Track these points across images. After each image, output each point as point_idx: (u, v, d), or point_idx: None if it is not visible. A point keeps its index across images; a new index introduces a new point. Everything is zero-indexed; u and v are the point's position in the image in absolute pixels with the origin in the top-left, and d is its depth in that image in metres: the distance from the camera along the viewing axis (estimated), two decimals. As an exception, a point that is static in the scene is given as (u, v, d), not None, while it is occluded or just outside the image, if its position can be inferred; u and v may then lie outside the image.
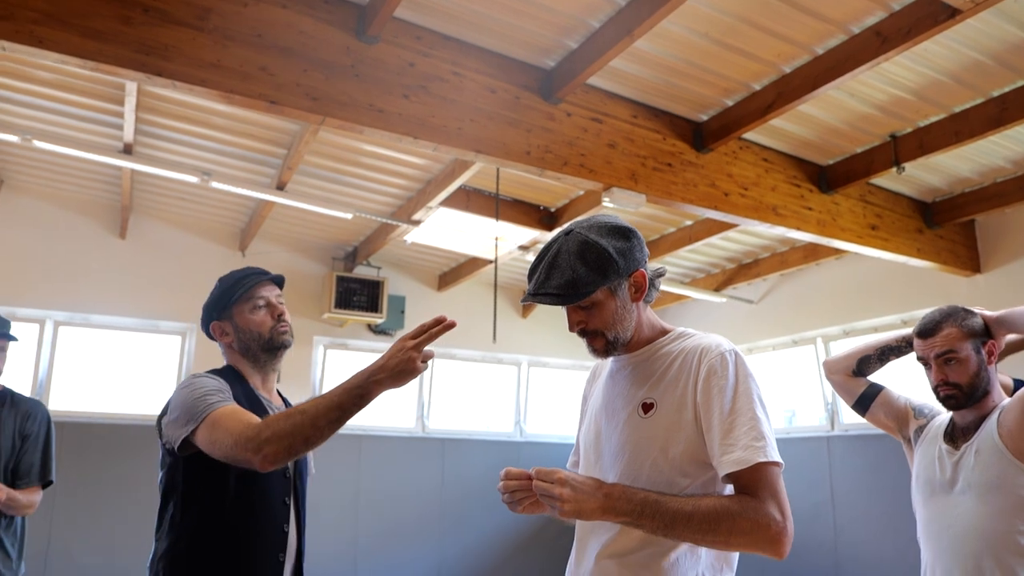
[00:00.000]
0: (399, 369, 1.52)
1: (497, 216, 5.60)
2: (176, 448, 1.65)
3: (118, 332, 6.63)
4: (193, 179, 5.14)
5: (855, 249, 5.36)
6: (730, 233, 6.12)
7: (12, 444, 2.80)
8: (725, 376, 1.42)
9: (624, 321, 1.50)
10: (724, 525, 1.31)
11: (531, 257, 6.54)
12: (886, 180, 5.36)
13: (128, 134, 4.88)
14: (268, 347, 1.93)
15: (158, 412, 1.82)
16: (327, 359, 7.51)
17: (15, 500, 2.68)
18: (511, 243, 6.40)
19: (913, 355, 2.14)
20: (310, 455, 1.96)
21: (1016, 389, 2.10)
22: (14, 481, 2.76)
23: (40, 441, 2.87)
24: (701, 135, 4.60)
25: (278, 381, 7.03)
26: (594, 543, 1.48)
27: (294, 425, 1.51)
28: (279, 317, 1.95)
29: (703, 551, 1.42)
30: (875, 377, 2.31)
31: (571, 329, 1.53)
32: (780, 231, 5.00)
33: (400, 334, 7.62)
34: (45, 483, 2.89)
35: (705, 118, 4.58)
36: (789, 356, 7.41)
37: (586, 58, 3.80)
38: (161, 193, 6.29)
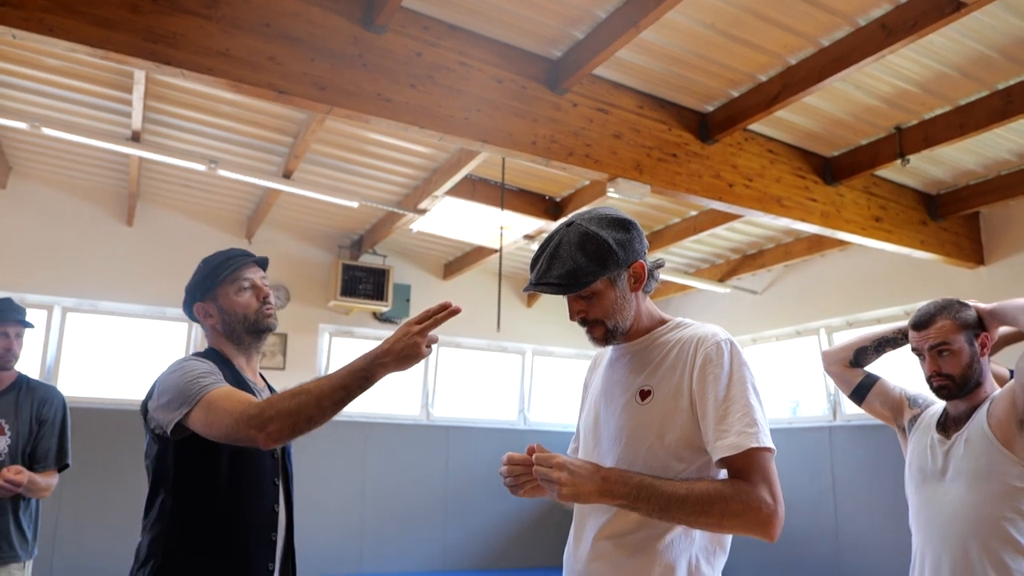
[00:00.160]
0: (404, 353, 1.54)
1: (502, 205, 5.62)
2: (169, 432, 1.65)
3: (125, 318, 6.70)
4: (200, 167, 5.18)
5: (859, 241, 5.37)
6: (735, 224, 6.13)
7: (29, 429, 2.86)
8: (720, 364, 1.45)
9: (623, 310, 1.54)
10: (717, 508, 1.35)
11: (535, 246, 6.56)
12: (891, 172, 5.36)
13: (136, 122, 4.92)
14: (253, 329, 1.92)
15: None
16: (332, 346, 7.57)
17: (35, 483, 2.75)
18: (516, 232, 6.43)
19: (909, 346, 2.17)
20: None
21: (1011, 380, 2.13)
22: (31, 465, 2.83)
23: (57, 426, 2.94)
24: (706, 126, 4.61)
25: (283, 368, 7.03)
26: (591, 525, 1.52)
27: (299, 404, 1.53)
28: (264, 299, 1.94)
29: (697, 534, 1.46)
30: (872, 368, 2.35)
31: (572, 318, 1.57)
32: (784, 222, 5.01)
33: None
34: (61, 467, 2.96)
35: (711, 109, 4.59)
36: (792, 347, 7.44)
37: (592, 49, 3.81)
38: (168, 181, 6.34)
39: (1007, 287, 5.53)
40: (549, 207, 6.13)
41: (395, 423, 7.60)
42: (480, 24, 3.87)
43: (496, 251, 6.86)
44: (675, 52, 4.00)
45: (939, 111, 4.48)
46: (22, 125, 4.71)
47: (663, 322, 1.61)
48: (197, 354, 1.86)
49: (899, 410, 2.25)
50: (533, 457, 1.41)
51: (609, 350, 1.68)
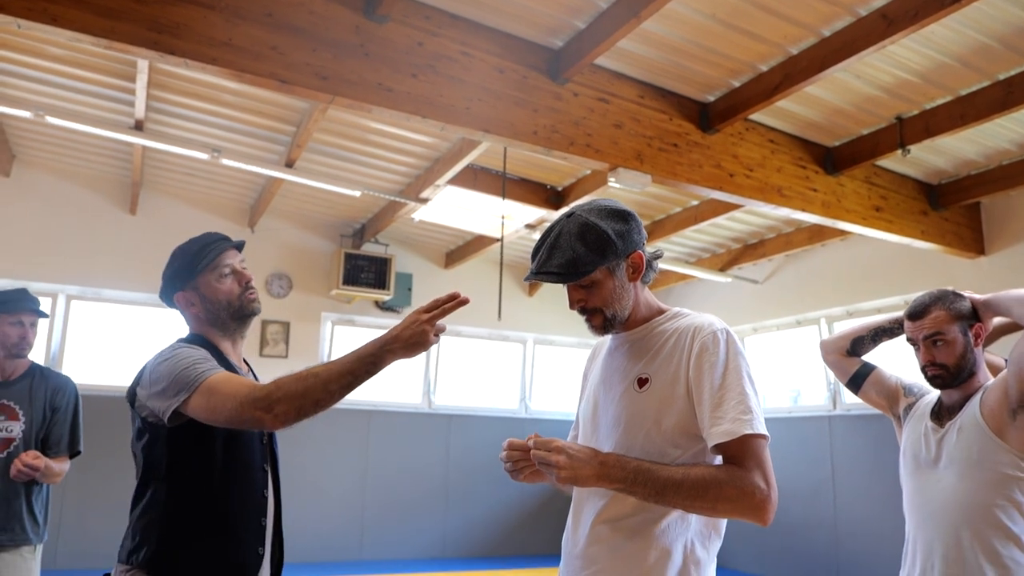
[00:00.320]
0: (412, 340, 1.56)
1: (504, 195, 5.64)
2: (166, 419, 1.65)
3: (128, 306, 6.74)
4: (203, 156, 5.20)
5: (860, 231, 5.39)
6: (736, 214, 6.15)
7: (43, 415, 2.93)
8: (716, 353, 1.48)
9: (622, 300, 1.57)
10: (712, 492, 1.39)
11: (537, 236, 6.59)
12: (892, 162, 5.37)
13: (139, 110, 4.94)
14: (238, 315, 1.90)
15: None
16: (335, 335, 7.61)
17: (49, 468, 2.80)
18: (518, 221, 6.44)
19: (904, 336, 2.20)
20: None
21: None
22: (44, 450, 2.89)
23: (69, 413, 3.00)
24: (707, 116, 4.62)
25: (286, 356, 7.07)
26: (589, 510, 1.55)
27: (306, 387, 1.55)
28: (246, 284, 1.92)
29: (693, 518, 1.49)
30: (868, 357, 2.38)
31: (571, 307, 1.60)
32: (785, 212, 5.03)
33: (407, 311, 7.70)
34: (73, 453, 3.02)
35: (712, 99, 4.60)
36: (793, 336, 7.47)
37: (594, 38, 3.82)
38: (171, 169, 6.36)
39: (1008, 277, 5.55)
40: (550, 196, 6.14)
41: (397, 411, 7.65)
42: (481, 14, 3.88)
43: (497, 240, 6.88)
44: (676, 42, 4.01)
45: (940, 101, 4.48)
46: (26, 114, 4.74)
47: (661, 312, 1.64)
48: (183, 340, 1.84)
49: (895, 399, 2.29)
50: (531, 442, 1.44)
51: (608, 339, 1.71)
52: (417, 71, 3.76)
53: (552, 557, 7.58)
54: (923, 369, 2.11)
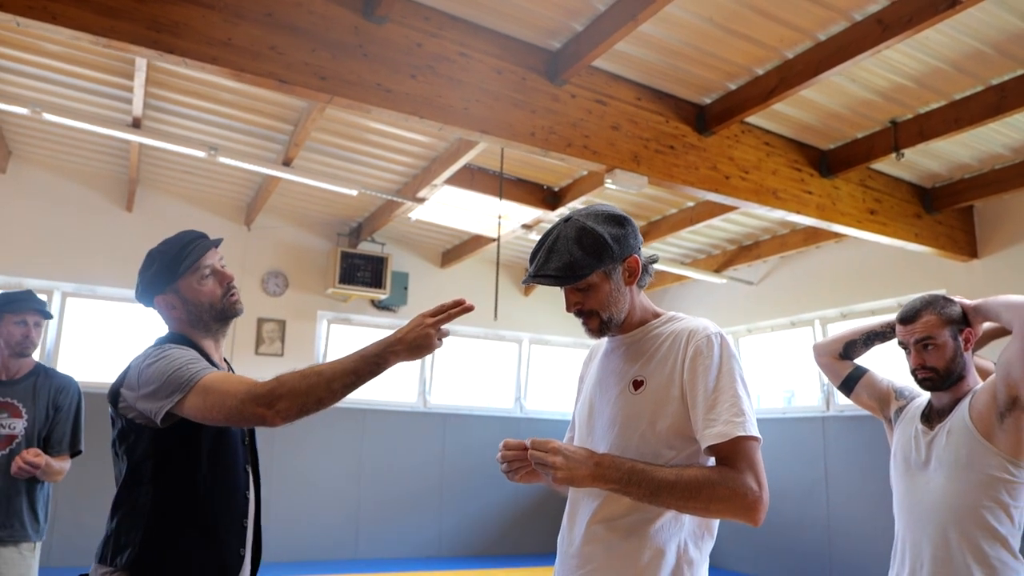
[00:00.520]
0: (416, 343, 1.57)
1: (501, 195, 5.66)
2: (159, 420, 1.64)
3: (124, 304, 6.74)
4: (200, 154, 5.21)
5: (854, 233, 5.42)
6: (731, 215, 6.18)
7: (46, 414, 2.96)
8: (710, 356, 1.51)
9: (618, 303, 1.59)
10: (705, 493, 1.42)
11: (534, 236, 6.61)
12: (886, 165, 5.40)
13: (137, 108, 4.94)
14: (221, 317, 1.88)
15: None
16: (331, 333, 7.62)
17: (50, 466, 2.83)
18: (514, 222, 6.47)
19: (896, 340, 2.23)
20: None
21: (995, 373, 2.19)
22: (46, 449, 2.92)
23: (71, 413, 3.04)
24: (704, 118, 4.65)
25: (281, 354, 7.05)
26: (584, 510, 1.58)
27: (309, 385, 1.55)
28: (228, 286, 1.89)
29: (686, 519, 1.52)
30: (861, 360, 2.41)
31: (568, 309, 1.63)
32: (780, 214, 5.06)
33: (403, 310, 7.73)
34: (74, 452, 3.06)
35: (708, 101, 4.62)
36: (787, 337, 7.50)
37: (591, 41, 3.84)
38: (168, 167, 6.36)
39: (1000, 280, 5.59)
40: (547, 197, 6.17)
41: (392, 410, 7.67)
42: (480, 15, 3.90)
43: (493, 240, 6.90)
44: (673, 45, 4.03)
45: (934, 105, 4.52)
46: (23, 110, 4.73)
47: (657, 315, 1.66)
48: (166, 341, 1.81)
49: (886, 401, 2.32)
50: (528, 443, 1.46)
51: (604, 342, 1.74)
52: (416, 72, 3.78)
53: (546, 556, 7.62)
54: (913, 372, 2.15)
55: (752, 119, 4.80)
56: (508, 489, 7.95)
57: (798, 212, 5.02)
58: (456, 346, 8.22)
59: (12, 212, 6.29)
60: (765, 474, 1.46)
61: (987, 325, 2.19)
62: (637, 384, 1.57)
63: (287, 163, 5.63)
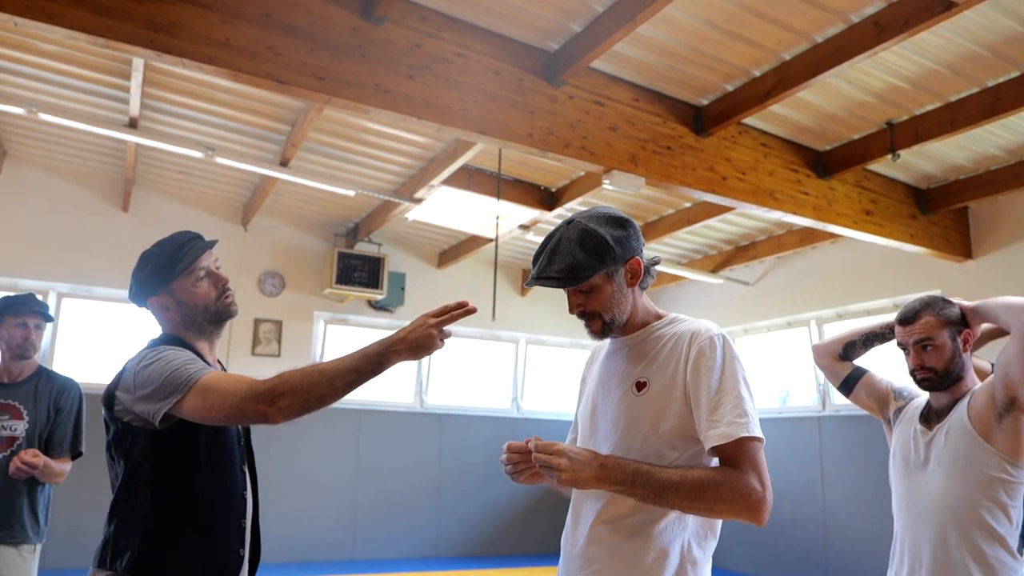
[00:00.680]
0: (418, 343, 1.58)
1: (499, 196, 5.66)
2: (158, 422, 1.64)
3: (120, 304, 6.72)
4: (197, 154, 5.20)
5: (850, 234, 5.45)
6: (728, 216, 6.20)
7: (47, 416, 2.97)
8: (713, 358, 1.52)
9: (620, 305, 1.60)
10: (709, 494, 1.42)
11: (531, 236, 6.62)
12: (882, 166, 5.43)
13: (134, 108, 4.93)
14: (215, 319, 1.87)
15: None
16: (327, 334, 7.61)
17: (49, 467, 2.84)
18: (511, 222, 6.47)
19: (895, 340, 2.25)
20: None
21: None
22: (47, 451, 2.92)
23: (73, 415, 3.05)
24: (701, 119, 4.66)
25: (278, 355, 7.03)
26: (588, 511, 1.58)
27: (311, 383, 1.55)
28: (223, 288, 1.88)
29: (690, 519, 1.53)
30: (860, 361, 2.42)
31: (571, 311, 1.63)
32: (777, 215, 5.08)
33: (400, 311, 7.72)
34: (75, 454, 3.06)
35: (705, 103, 4.64)
36: (783, 337, 7.53)
37: (589, 42, 3.85)
38: (164, 167, 6.35)
39: (995, 280, 5.62)
40: (544, 197, 6.17)
41: (389, 410, 7.66)
42: (478, 16, 3.90)
43: (490, 240, 6.90)
44: (671, 46, 4.04)
45: (930, 107, 4.54)
46: (19, 110, 4.72)
47: (659, 317, 1.67)
48: (160, 342, 1.80)
49: (885, 402, 2.33)
50: (532, 444, 1.47)
51: (606, 344, 1.74)
52: (414, 72, 3.78)
53: (544, 556, 7.63)
54: (912, 373, 2.16)
55: (749, 120, 4.82)
56: (505, 489, 7.95)
57: (795, 213, 5.04)
58: (453, 346, 8.21)
59: (8, 212, 6.27)
60: (768, 474, 1.47)
61: (985, 326, 2.21)
62: (640, 385, 1.57)
63: (284, 163, 5.62)
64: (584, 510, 1.59)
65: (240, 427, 1.88)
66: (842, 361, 2.39)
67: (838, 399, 6.71)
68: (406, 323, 1.63)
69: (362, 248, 7.42)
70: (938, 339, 2.10)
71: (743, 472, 1.44)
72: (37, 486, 2.90)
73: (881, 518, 6.01)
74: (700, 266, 7.73)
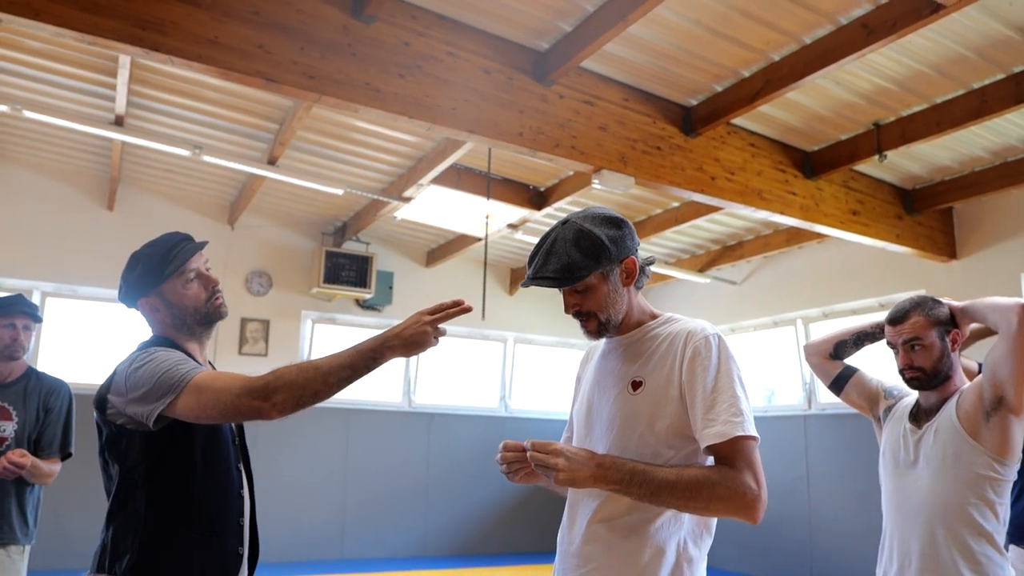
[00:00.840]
0: (413, 340, 1.59)
1: (489, 195, 5.66)
2: (152, 423, 1.64)
3: (105, 304, 6.66)
4: (184, 152, 5.16)
5: (837, 234, 5.49)
6: (715, 215, 6.23)
7: (36, 417, 2.96)
8: (709, 357, 1.53)
9: (616, 304, 1.61)
10: (705, 492, 1.44)
11: (519, 235, 6.62)
12: (869, 167, 5.47)
13: (120, 106, 4.88)
14: (205, 320, 1.87)
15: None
16: (315, 333, 7.58)
17: (38, 468, 2.82)
18: (500, 221, 6.47)
19: (885, 340, 2.27)
20: None
21: (980, 373, 2.23)
22: (36, 452, 2.91)
23: (62, 416, 3.03)
24: (690, 120, 4.68)
25: (265, 354, 7.00)
26: (584, 510, 1.59)
27: (307, 379, 1.56)
28: (213, 289, 1.88)
29: (686, 518, 1.54)
30: (851, 360, 2.45)
31: (567, 311, 1.63)
32: (764, 215, 5.11)
33: (388, 310, 7.70)
34: (64, 455, 3.05)
35: (695, 103, 4.66)
36: (769, 336, 7.57)
37: (580, 41, 3.86)
38: (150, 165, 6.30)
39: (978, 280, 5.68)
40: (533, 196, 6.18)
41: (377, 410, 7.64)
42: (468, 15, 3.90)
43: (479, 239, 6.90)
44: (661, 46, 4.06)
45: (916, 108, 4.59)
46: (3, 108, 4.66)
47: (654, 316, 1.68)
48: (151, 344, 1.80)
49: (875, 401, 2.36)
50: (529, 444, 1.47)
51: (601, 343, 1.75)
52: (404, 71, 3.77)
53: (532, 554, 7.64)
54: (901, 372, 2.19)
55: (738, 121, 4.85)
56: (494, 488, 7.96)
57: (782, 213, 5.07)
58: (441, 345, 8.10)
59: (-9, 210, 6.20)
60: (763, 473, 1.48)
61: (974, 326, 2.24)
62: (636, 385, 1.58)
63: (272, 162, 5.59)
64: (580, 509, 1.60)
65: (234, 426, 1.87)
66: (833, 360, 2.42)
67: (824, 398, 6.76)
68: (394, 322, 1.64)
69: (350, 247, 7.40)
70: (927, 339, 2.13)
71: (738, 471, 1.45)
72: (26, 487, 2.88)
73: (866, 516, 6.09)
74: (687, 265, 7.76)
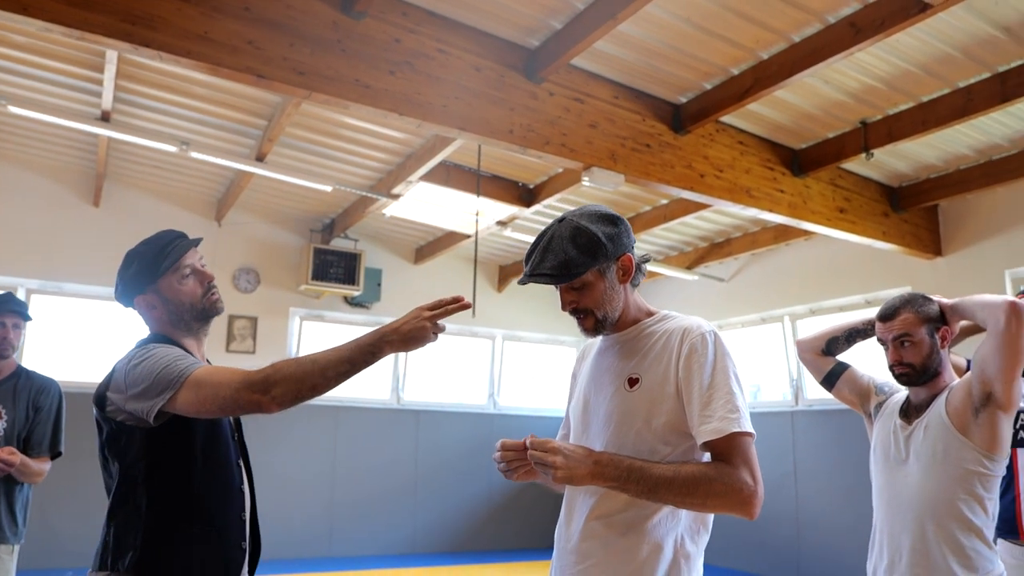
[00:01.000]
0: (411, 335, 1.60)
1: (478, 192, 5.66)
2: (151, 419, 1.64)
3: (91, 300, 6.61)
4: (171, 148, 5.12)
5: (824, 231, 5.53)
6: (704, 213, 6.25)
7: (26, 415, 2.94)
8: (705, 354, 1.54)
9: (612, 301, 1.61)
10: (702, 488, 1.45)
11: (509, 232, 6.62)
12: (855, 165, 5.52)
13: (107, 101, 4.85)
14: (202, 316, 1.88)
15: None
16: (303, 330, 7.56)
17: (27, 466, 2.81)
18: (489, 218, 6.47)
19: (876, 336, 2.30)
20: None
21: (968, 369, 2.26)
22: (26, 450, 2.90)
23: (52, 414, 3.02)
24: (679, 117, 4.70)
25: (253, 351, 6.97)
26: (581, 506, 1.60)
27: (305, 372, 1.57)
28: (209, 285, 1.89)
29: (683, 514, 1.55)
30: (843, 357, 2.47)
31: (563, 308, 1.64)
32: (753, 212, 5.14)
33: (376, 307, 7.69)
34: (54, 454, 3.03)
35: (684, 101, 4.68)
36: (757, 333, 7.62)
37: (570, 39, 3.86)
38: (137, 161, 6.25)
39: (963, 277, 5.75)
40: (522, 194, 6.18)
41: (366, 407, 7.63)
42: (459, 12, 3.89)
43: (467, 236, 6.90)
44: (651, 44, 4.07)
45: (903, 107, 4.63)
46: (-12, 103, 4.61)
47: (650, 314, 1.69)
48: (149, 341, 1.80)
49: (866, 397, 2.38)
50: (528, 442, 1.48)
51: (597, 340, 1.76)
52: (395, 68, 3.76)
53: (521, 551, 7.65)
54: (891, 368, 2.21)
55: (727, 118, 4.87)
56: (482, 485, 7.96)
57: (770, 210, 5.11)
58: (430, 343, 8.17)
59: (-26, 207, 6.13)
60: (759, 469, 1.49)
61: (962, 323, 2.26)
62: (632, 382, 1.59)
63: (260, 158, 5.56)
64: (577, 506, 1.61)
65: (232, 422, 1.88)
66: (825, 356, 2.44)
67: (811, 394, 6.81)
68: (383, 320, 1.65)
69: (338, 244, 7.37)
70: (916, 335, 2.15)
71: (735, 467, 1.47)
72: (15, 486, 2.87)
73: (853, 512, 6.14)
74: (676, 262, 7.80)
